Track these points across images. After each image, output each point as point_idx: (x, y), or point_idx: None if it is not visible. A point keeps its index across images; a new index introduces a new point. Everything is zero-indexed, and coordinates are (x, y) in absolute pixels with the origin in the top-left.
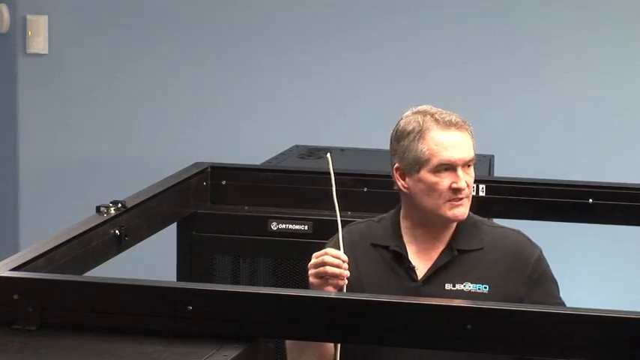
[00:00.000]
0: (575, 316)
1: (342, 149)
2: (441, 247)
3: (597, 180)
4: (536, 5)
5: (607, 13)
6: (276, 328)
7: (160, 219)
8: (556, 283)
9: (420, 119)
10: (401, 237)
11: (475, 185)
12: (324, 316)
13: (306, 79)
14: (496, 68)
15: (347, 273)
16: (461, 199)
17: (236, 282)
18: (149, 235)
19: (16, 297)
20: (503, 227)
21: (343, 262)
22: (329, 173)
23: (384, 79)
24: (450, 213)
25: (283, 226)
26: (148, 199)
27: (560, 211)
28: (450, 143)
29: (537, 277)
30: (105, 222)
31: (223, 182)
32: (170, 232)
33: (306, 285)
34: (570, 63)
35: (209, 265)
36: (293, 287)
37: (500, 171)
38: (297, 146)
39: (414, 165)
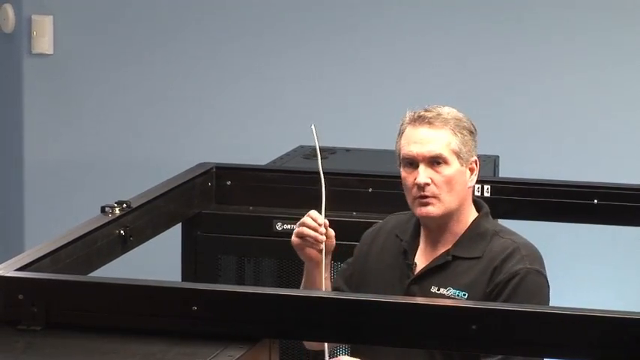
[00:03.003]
0: (579, 316)
1: (347, 149)
2: (441, 250)
3: (602, 181)
4: (546, 8)
5: (618, 15)
6: (280, 329)
7: (165, 219)
8: None
9: (405, 116)
10: (418, 234)
11: (480, 186)
12: (329, 316)
13: (312, 79)
14: (502, 68)
15: (322, 238)
16: (425, 197)
17: (241, 282)
18: (154, 236)
19: (21, 297)
20: (514, 238)
21: (319, 225)
22: (315, 144)
23: (390, 79)
24: (417, 211)
25: (288, 226)
26: (153, 200)
27: (565, 211)
28: (414, 138)
29: (495, 295)
30: (110, 222)
31: (228, 183)
32: (175, 232)
33: None
34: (576, 63)
35: (214, 266)
36: (298, 287)
37: (505, 171)
38: (302, 146)
39: (397, 161)
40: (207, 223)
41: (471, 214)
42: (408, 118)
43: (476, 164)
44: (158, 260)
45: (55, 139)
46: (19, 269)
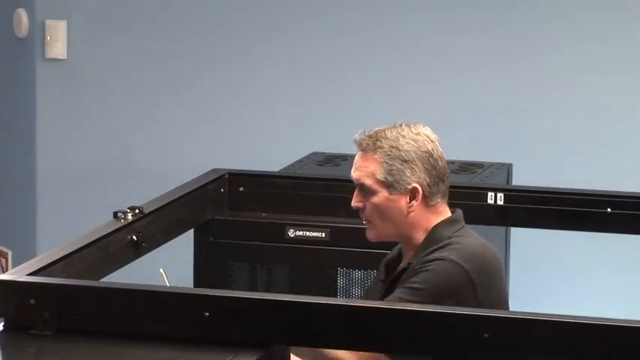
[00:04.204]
0: (590, 325)
1: None
2: (407, 259)
3: (616, 189)
4: (559, 14)
5: (635, 19)
6: (292, 335)
7: (177, 225)
8: (412, 290)
9: None
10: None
11: (493, 194)
12: (340, 323)
13: (325, 85)
14: (515, 74)
15: None
16: (364, 219)
17: (253, 289)
18: (166, 241)
19: (32, 302)
20: (460, 240)
21: None
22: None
23: (403, 86)
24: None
25: (301, 233)
26: (165, 205)
27: (578, 220)
28: (354, 161)
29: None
30: (122, 227)
31: (241, 189)
32: (187, 238)
33: (323, 292)
34: (591, 70)
35: (226, 272)
36: (310, 294)
37: (519, 179)
38: (315, 153)
39: None
40: (219, 230)
41: (429, 226)
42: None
43: (417, 190)
44: (170, 266)
45: (67, 143)
46: (31, 274)
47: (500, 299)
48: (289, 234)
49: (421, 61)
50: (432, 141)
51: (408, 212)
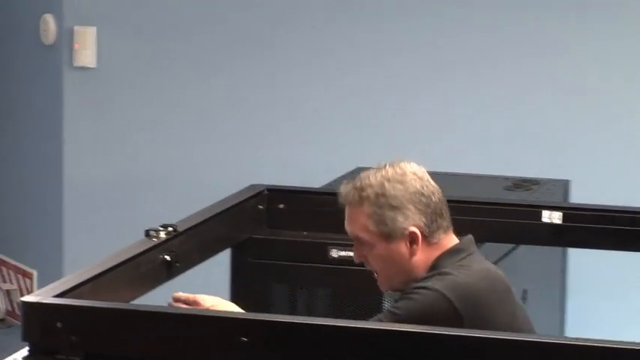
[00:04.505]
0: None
1: None
2: None
3: None
4: (620, 25)
5: None
6: None
7: (213, 244)
8: (390, 313)
9: None
10: None
11: (549, 212)
12: (384, 348)
13: (369, 98)
14: (574, 89)
15: None
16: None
17: (293, 312)
18: (201, 261)
19: (59, 325)
20: (444, 276)
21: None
22: None
23: (455, 101)
24: None
25: (344, 253)
26: (200, 223)
27: None
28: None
29: None
30: (154, 247)
31: (281, 206)
32: (224, 258)
33: (367, 316)
34: None
35: (265, 294)
36: (353, 319)
37: (577, 197)
38: (359, 168)
39: None
40: (258, 249)
41: (431, 261)
42: None
43: (415, 234)
44: (205, 288)
45: (96, 157)
46: (58, 296)
47: (504, 329)
48: (332, 254)
49: (475, 75)
50: (419, 178)
51: (411, 256)
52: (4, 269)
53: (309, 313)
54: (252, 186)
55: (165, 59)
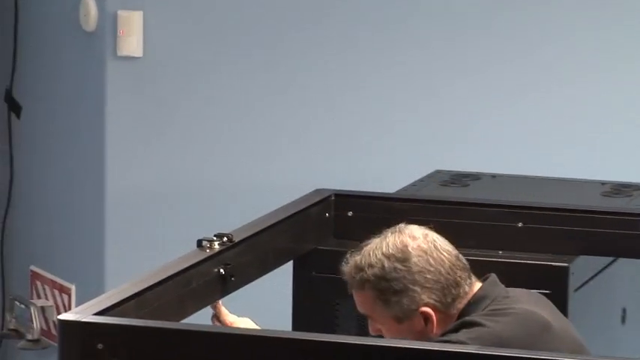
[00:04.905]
0: None
1: (493, 176)
2: None
3: None
4: None
5: None
6: None
7: (274, 256)
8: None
9: None
10: None
11: None
12: None
13: (450, 94)
14: None
15: None
16: None
17: (363, 333)
18: (260, 275)
19: (100, 347)
20: (470, 328)
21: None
22: None
23: (538, 96)
24: None
25: None
26: (259, 232)
27: None
28: None
29: None
30: (207, 259)
31: (350, 213)
32: (285, 272)
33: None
34: None
35: (331, 312)
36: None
37: None
38: (438, 172)
39: None
40: (323, 262)
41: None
42: None
43: (428, 313)
44: (264, 305)
45: (143, 159)
46: (99, 313)
47: None
48: None
49: (566, 73)
50: (424, 251)
51: (430, 333)
52: (38, 283)
53: (382, 334)
54: (318, 191)
55: (222, 48)
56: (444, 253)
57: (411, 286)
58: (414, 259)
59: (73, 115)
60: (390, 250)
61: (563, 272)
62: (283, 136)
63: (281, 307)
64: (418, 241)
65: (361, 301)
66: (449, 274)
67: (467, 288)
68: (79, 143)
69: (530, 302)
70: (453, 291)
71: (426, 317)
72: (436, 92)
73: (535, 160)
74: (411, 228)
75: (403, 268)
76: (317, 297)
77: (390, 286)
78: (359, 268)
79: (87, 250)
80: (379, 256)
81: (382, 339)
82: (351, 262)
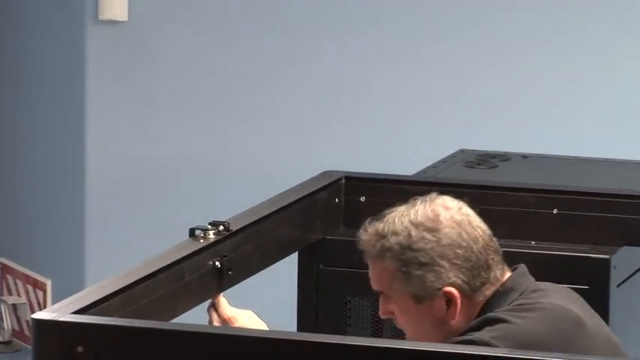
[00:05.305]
0: None
1: (525, 156)
2: None
3: None
4: None
5: None
6: None
7: (276, 247)
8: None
9: None
10: None
11: None
12: None
13: (475, 64)
14: None
15: None
16: None
17: (377, 333)
18: (261, 269)
19: (80, 350)
20: (495, 325)
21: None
22: None
23: (577, 68)
24: None
25: None
26: (259, 220)
27: None
28: None
29: None
30: (202, 250)
31: (362, 199)
32: (289, 264)
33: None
34: None
35: (341, 310)
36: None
37: None
38: (462, 151)
39: None
40: (332, 254)
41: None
42: None
43: (452, 294)
44: (266, 302)
45: (127, 135)
46: (78, 312)
47: None
48: None
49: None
50: (457, 223)
51: (450, 319)
52: (9, 278)
53: (398, 334)
54: (326, 173)
55: (214, 12)
56: (478, 230)
57: (438, 260)
58: (445, 230)
59: (51, 82)
60: (419, 219)
61: (604, 265)
62: (286, 109)
63: (284, 305)
64: (451, 211)
65: (378, 274)
66: (481, 253)
67: (498, 274)
68: (57, 116)
69: (562, 297)
70: (483, 274)
71: (449, 299)
72: (459, 61)
73: (572, 138)
74: (444, 198)
75: (432, 238)
76: (325, 293)
77: (416, 257)
78: (380, 235)
79: (64, 240)
80: (406, 223)
81: (398, 341)
82: (371, 229)
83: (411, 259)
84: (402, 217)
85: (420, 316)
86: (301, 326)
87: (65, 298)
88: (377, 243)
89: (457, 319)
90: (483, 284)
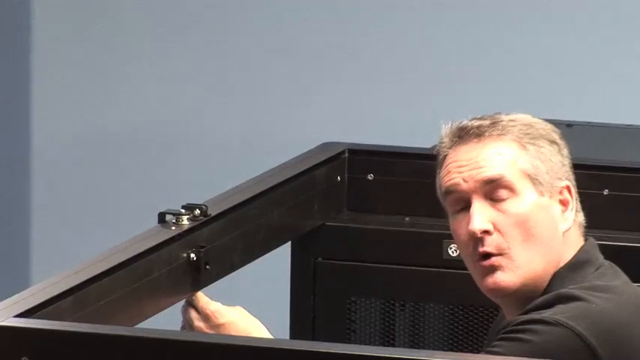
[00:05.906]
0: None
1: (569, 124)
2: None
3: None
4: None
5: None
6: None
7: (264, 236)
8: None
9: (442, 134)
10: None
11: None
12: None
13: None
14: None
15: None
16: (486, 256)
17: (388, 339)
18: (245, 263)
19: None
20: (570, 304)
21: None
22: None
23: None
24: (482, 284)
25: None
26: (243, 203)
27: None
28: (458, 162)
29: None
30: (173, 239)
31: (370, 176)
32: (281, 257)
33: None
34: None
35: (342, 312)
36: (473, 344)
37: None
38: None
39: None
40: (333, 243)
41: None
42: (445, 137)
43: (569, 191)
44: (252, 302)
45: (81, 106)
46: (23, 314)
47: None
48: (449, 252)
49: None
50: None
51: (564, 233)
52: None
53: (413, 339)
54: (325, 145)
55: None
56: None
57: (564, 151)
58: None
59: None
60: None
61: None
62: (270, 72)
63: (273, 308)
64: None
65: (496, 151)
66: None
67: (583, 229)
68: None
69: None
70: (580, 214)
71: (564, 201)
72: (479, 26)
73: (624, 104)
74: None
75: (547, 125)
76: (324, 293)
77: (550, 133)
78: (497, 120)
79: (6, 227)
80: (513, 115)
81: (415, 350)
82: (472, 122)
83: (542, 136)
84: (521, 116)
85: (534, 213)
86: (295, 333)
87: (7, 298)
88: (498, 125)
89: (570, 233)
90: (580, 225)
